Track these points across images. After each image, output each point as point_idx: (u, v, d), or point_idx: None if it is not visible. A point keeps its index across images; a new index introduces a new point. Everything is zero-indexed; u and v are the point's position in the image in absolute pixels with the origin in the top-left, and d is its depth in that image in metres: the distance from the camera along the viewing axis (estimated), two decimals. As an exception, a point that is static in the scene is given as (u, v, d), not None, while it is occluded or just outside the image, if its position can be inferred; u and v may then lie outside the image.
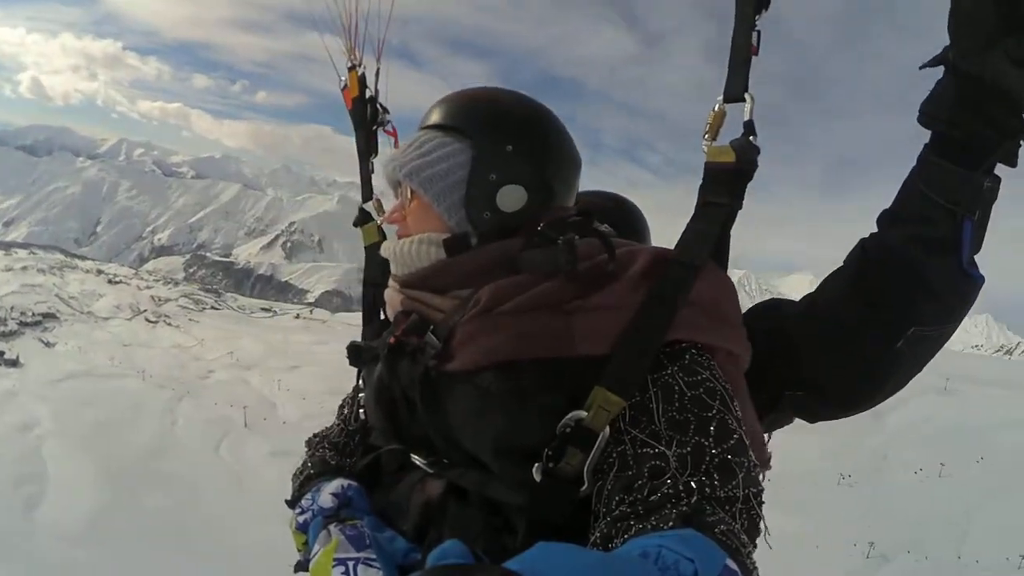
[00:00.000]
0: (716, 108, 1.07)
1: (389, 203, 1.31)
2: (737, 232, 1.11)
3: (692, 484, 0.79)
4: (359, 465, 1.21)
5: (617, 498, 0.83)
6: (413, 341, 1.06)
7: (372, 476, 1.19)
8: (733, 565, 0.61)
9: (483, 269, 1.05)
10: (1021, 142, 0.98)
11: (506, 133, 1.08)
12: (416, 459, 1.08)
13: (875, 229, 1.14)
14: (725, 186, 1.04)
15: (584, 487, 0.90)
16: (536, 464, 0.91)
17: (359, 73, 1.54)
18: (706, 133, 1.07)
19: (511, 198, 1.07)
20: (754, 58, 1.05)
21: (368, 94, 1.53)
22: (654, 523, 0.74)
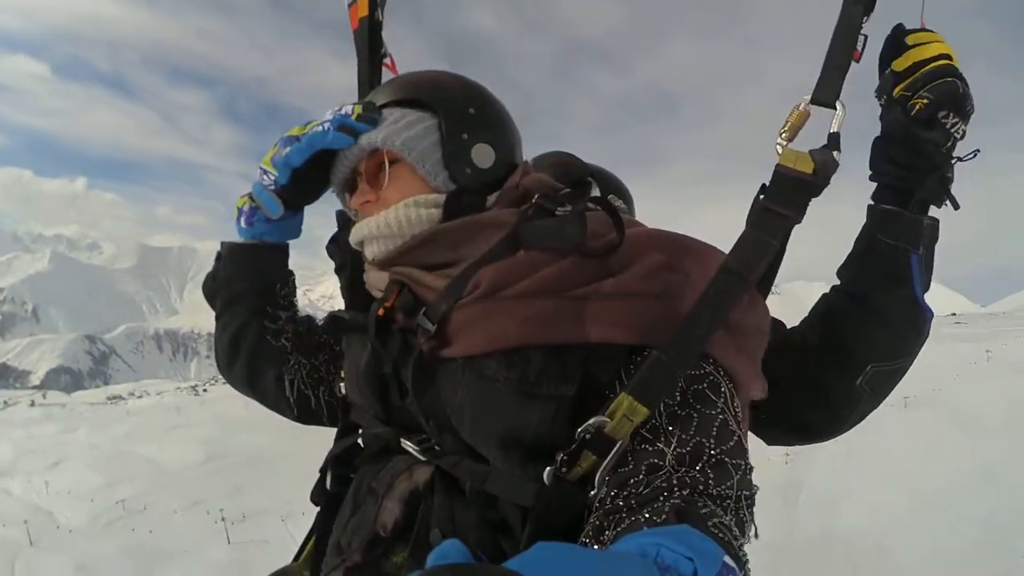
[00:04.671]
0: (801, 107, 0.97)
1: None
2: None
3: (687, 479, 0.77)
4: (341, 447, 1.14)
5: (613, 493, 0.80)
6: (402, 320, 0.98)
7: (351, 456, 1.14)
8: (731, 562, 0.60)
9: (475, 239, 0.98)
10: (947, 179, 1.06)
11: (464, 98, 1.07)
12: (407, 445, 1.00)
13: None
14: (794, 197, 0.92)
15: (593, 491, 0.84)
16: (548, 468, 0.85)
17: None
18: (783, 131, 0.97)
19: (483, 156, 1.05)
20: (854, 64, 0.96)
21: (377, 17, 1.43)
22: (647, 516, 0.72)
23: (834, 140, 0.94)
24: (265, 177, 1.10)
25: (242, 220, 1.18)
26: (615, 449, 0.83)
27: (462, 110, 1.06)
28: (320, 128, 1.02)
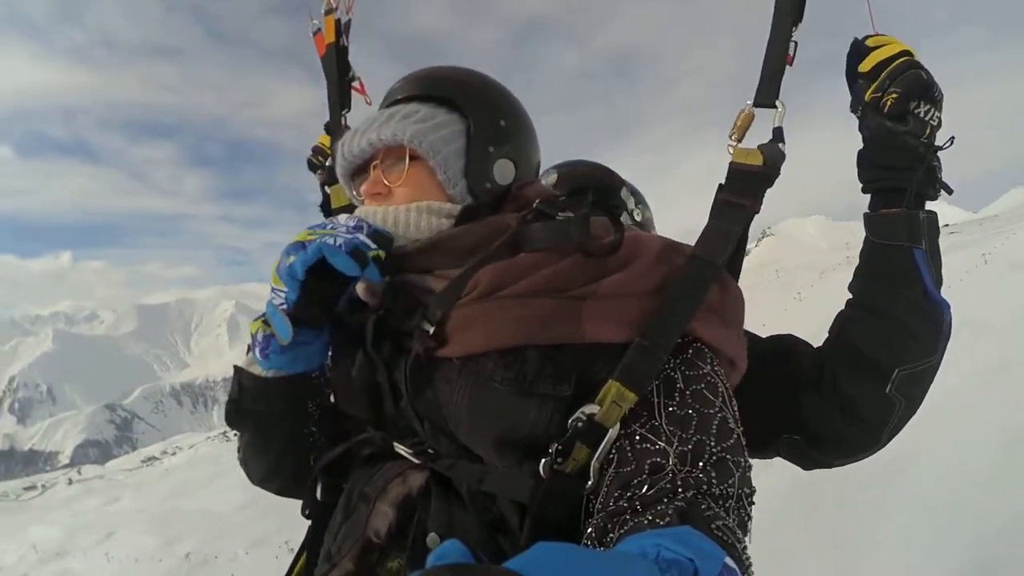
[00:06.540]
0: (746, 110, 1.06)
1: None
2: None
3: (690, 479, 0.77)
4: (331, 455, 1.08)
5: (616, 494, 0.80)
6: (400, 322, 0.98)
7: (341, 465, 1.09)
8: (732, 563, 0.60)
9: (479, 245, 0.97)
10: (934, 168, 1.11)
11: (497, 108, 1.07)
12: (400, 448, 0.98)
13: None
14: (749, 187, 1.00)
15: (590, 483, 0.85)
16: (544, 460, 0.85)
17: (336, 18, 1.46)
18: (732, 133, 1.06)
19: (504, 172, 1.06)
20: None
21: (343, 43, 1.48)
22: (650, 518, 0.72)
23: (778, 134, 1.05)
24: (276, 295, 0.97)
25: (257, 350, 1.03)
26: (607, 437, 0.84)
27: (493, 121, 1.06)
28: (331, 241, 0.91)
